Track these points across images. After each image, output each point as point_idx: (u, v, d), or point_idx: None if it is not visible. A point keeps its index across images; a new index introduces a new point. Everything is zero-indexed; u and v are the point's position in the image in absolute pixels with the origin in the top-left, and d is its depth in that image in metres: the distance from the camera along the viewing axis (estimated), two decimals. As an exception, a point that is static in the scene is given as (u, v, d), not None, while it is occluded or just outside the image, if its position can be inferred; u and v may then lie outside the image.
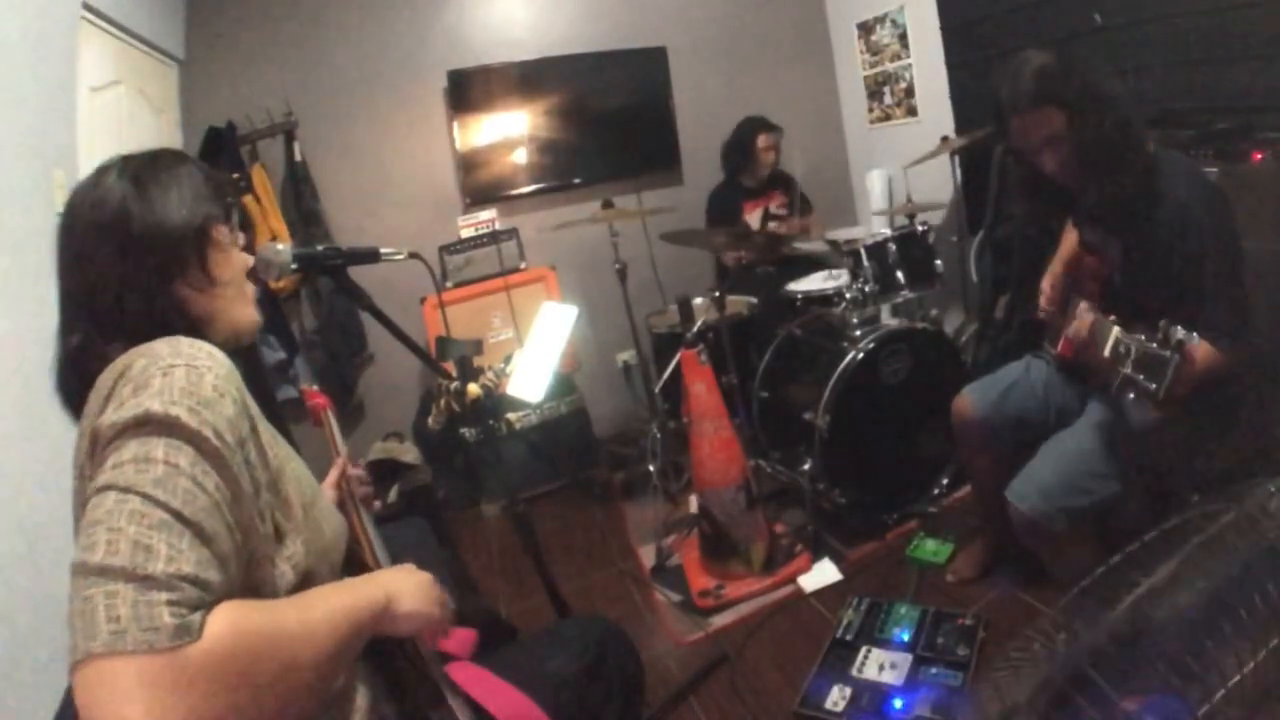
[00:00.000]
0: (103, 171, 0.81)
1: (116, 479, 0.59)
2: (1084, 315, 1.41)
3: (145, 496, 0.58)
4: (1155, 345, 1.12)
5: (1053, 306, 1.66)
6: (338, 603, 0.70)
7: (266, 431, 0.76)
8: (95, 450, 0.63)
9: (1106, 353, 1.26)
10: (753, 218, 3.35)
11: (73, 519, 0.66)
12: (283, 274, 1.10)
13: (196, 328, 0.79)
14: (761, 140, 3.28)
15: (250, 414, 0.72)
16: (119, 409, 0.63)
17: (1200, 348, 1.29)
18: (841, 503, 2.30)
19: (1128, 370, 1.17)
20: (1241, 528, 0.88)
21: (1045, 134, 1.39)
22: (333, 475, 1.15)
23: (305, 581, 0.75)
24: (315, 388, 1.47)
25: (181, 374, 0.65)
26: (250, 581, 0.68)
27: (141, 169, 0.81)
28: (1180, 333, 1.09)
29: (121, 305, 0.75)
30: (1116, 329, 1.23)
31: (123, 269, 0.76)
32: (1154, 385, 1.10)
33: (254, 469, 0.70)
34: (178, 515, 0.58)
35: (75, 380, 0.75)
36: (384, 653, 0.87)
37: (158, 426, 0.61)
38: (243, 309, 0.87)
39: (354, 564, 0.94)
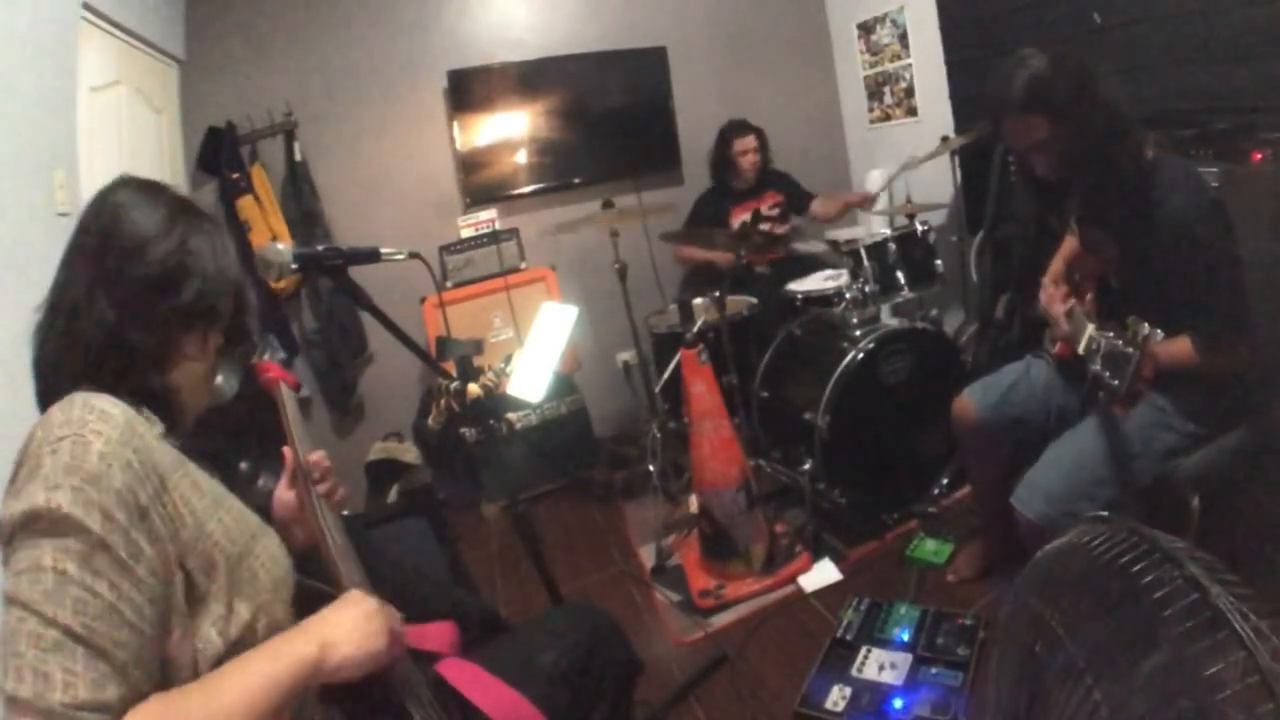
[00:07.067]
0: None
1: (16, 590, 0.62)
2: (1068, 311, 1.42)
3: (39, 615, 0.61)
4: (1121, 343, 1.14)
5: (1054, 301, 1.66)
6: (255, 674, 0.68)
7: (185, 482, 0.75)
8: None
9: (1081, 349, 1.28)
10: (739, 221, 3.30)
11: None
12: (283, 274, 1.10)
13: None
14: (737, 144, 3.21)
15: (158, 471, 0.72)
16: (15, 498, 0.65)
17: (1175, 343, 1.30)
18: (841, 503, 2.30)
19: (1097, 367, 1.20)
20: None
21: (1032, 140, 1.39)
22: (285, 477, 1.05)
23: (239, 644, 0.74)
24: (268, 359, 1.36)
25: (67, 449, 0.66)
26: (167, 661, 0.68)
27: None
28: (1145, 330, 1.11)
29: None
30: (1091, 326, 1.25)
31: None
32: (1117, 382, 1.14)
33: (159, 540, 0.69)
34: (68, 632, 0.61)
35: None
36: (345, 693, 0.82)
37: (45, 524, 0.63)
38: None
39: (317, 580, 0.90)
